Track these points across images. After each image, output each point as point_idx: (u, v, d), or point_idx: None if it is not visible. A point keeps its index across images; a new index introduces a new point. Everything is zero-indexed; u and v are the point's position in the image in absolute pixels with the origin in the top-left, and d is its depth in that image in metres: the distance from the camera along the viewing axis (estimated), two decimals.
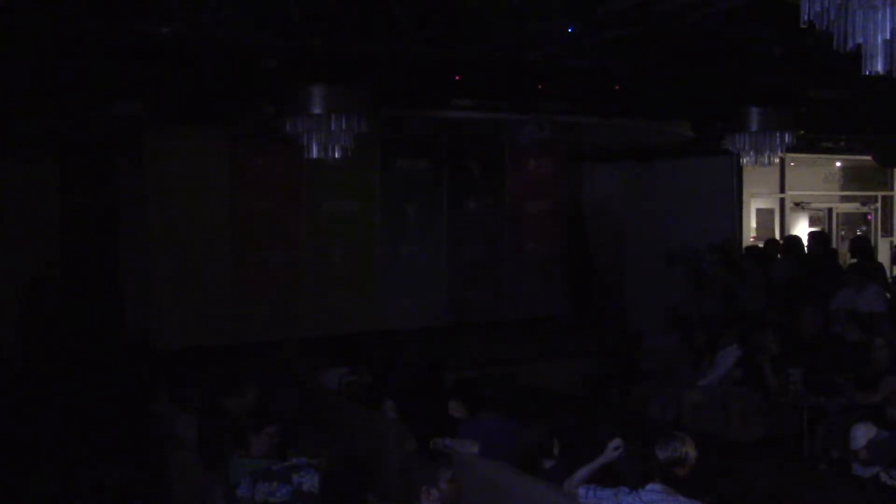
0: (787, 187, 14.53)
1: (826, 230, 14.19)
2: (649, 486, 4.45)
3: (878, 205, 15.62)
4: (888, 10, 3.15)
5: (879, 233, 15.40)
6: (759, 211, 14.45)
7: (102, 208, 10.83)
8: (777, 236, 13.89)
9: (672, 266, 11.47)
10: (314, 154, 6.83)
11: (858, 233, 15.21)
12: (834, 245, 13.92)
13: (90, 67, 7.22)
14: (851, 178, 15.57)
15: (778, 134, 7.79)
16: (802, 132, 8.24)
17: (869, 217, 15.70)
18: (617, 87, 8.82)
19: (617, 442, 4.95)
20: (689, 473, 4.56)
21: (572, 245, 13.55)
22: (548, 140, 11.73)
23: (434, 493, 4.17)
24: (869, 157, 13.28)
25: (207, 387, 6.97)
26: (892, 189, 15.69)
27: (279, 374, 9.28)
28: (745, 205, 13.47)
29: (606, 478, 4.84)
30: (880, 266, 10.86)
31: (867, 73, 3.28)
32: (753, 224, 14.26)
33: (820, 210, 15.21)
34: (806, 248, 10.83)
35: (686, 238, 11.99)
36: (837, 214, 15.41)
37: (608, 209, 14.49)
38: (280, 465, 5.22)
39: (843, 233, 15.25)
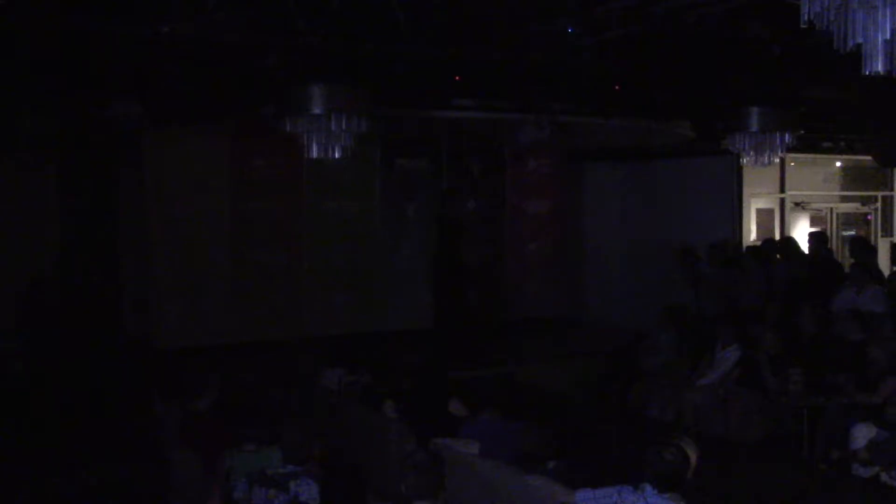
0: (787, 187, 14.52)
1: (826, 230, 14.17)
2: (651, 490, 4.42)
3: (878, 205, 15.61)
4: (888, 10, 3.15)
5: (879, 233, 15.38)
6: (759, 211, 14.43)
7: (102, 208, 10.82)
8: (777, 236, 13.89)
9: (686, 264, 11.44)
10: (314, 154, 6.82)
11: (855, 232, 15.19)
12: (834, 245, 13.92)
13: (90, 67, 7.22)
14: (851, 178, 15.55)
15: (778, 134, 7.78)
16: (802, 132, 8.22)
17: (869, 217, 15.69)
18: (617, 87, 8.83)
19: None
20: (691, 475, 4.55)
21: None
22: (548, 140, 11.75)
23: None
24: (869, 157, 13.26)
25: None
26: (892, 189, 15.67)
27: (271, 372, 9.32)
28: (745, 205, 13.46)
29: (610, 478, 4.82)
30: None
31: (867, 73, 3.28)
32: (753, 224, 14.24)
33: (820, 210, 15.19)
34: (807, 249, 10.81)
35: (686, 238, 11.97)
36: (837, 214, 15.40)
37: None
38: (275, 471, 5.21)
39: (843, 233, 15.25)
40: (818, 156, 14.15)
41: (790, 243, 11.12)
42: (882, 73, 3.27)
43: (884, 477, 6.55)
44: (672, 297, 11.15)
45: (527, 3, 6.22)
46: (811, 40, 4.47)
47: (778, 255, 10.94)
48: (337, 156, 6.85)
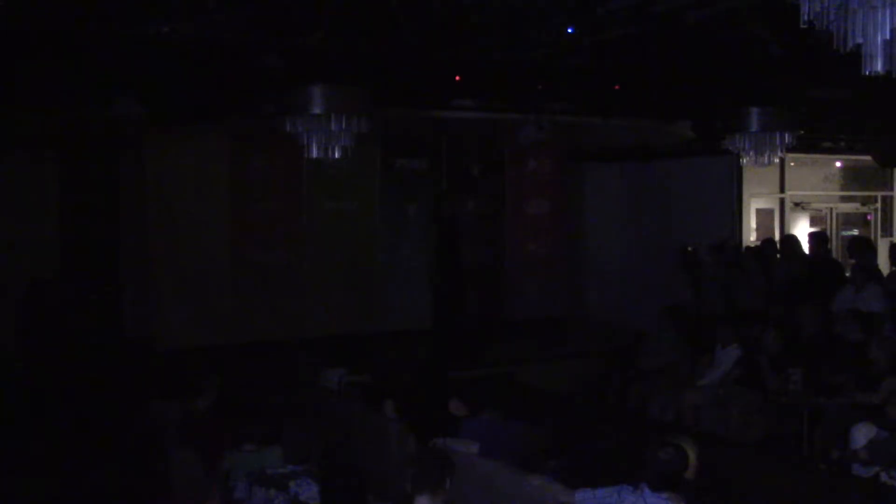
0: (787, 187, 14.52)
1: (826, 230, 14.17)
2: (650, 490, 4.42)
3: (878, 205, 15.61)
4: (888, 10, 3.15)
5: (879, 233, 15.38)
6: (759, 211, 14.44)
7: (102, 208, 10.82)
8: (777, 236, 13.89)
9: (685, 264, 11.45)
10: (314, 154, 6.82)
11: (856, 232, 15.19)
12: (834, 245, 13.91)
13: (90, 67, 7.22)
14: (851, 178, 15.56)
15: (778, 134, 7.78)
16: (802, 132, 8.22)
17: (869, 217, 15.69)
18: (617, 87, 8.82)
19: None
20: (691, 475, 4.55)
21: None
22: (548, 140, 11.74)
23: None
24: (869, 157, 13.27)
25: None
26: (892, 189, 15.67)
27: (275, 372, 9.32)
28: (745, 205, 13.46)
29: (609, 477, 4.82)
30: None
31: (867, 73, 3.28)
32: (753, 224, 14.24)
33: (820, 210, 15.20)
34: (807, 249, 10.81)
35: (686, 238, 11.98)
36: (837, 214, 15.40)
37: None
38: (276, 471, 5.22)
39: (843, 233, 15.25)
40: (818, 156, 14.16)
41: (791, 242, 11.09)
42: (882, 73, 3.27)
43: (884, 477, 6.54)
44: (672, 297, 11.15)
45: (527, 4, 6.21)
46: (811, 40, 4.46)
47: (778, 255, 10.94)
48: (337, 156, 6.84)
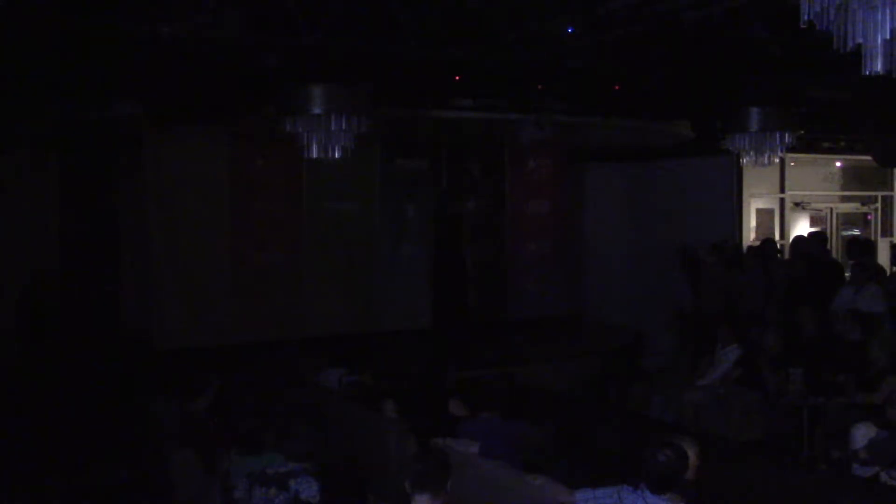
0: (787, 187, 14.52)
1: (826, 230, 14.17)
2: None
3: (878, 205, 15.61)
4: (888, 10, 3.15)
5: (879, 233, 15.38)
6: (759, 211, 14.44)
7: (102, 208, 10.83)
8: (777, 236, 13.89)
9: (685, 264, 11.45)
10: (314, 154, 6.83)
11: (857, 232, 15.20)
12: (834, 245, 13.92)
13: (90, 67, 7.22)
14: (851, 178, 15.57)
15: (778, 134, 7.79)
16: (802, 132, 8.23)
17: (869, 217, 15.69)
18: (617, 87, 8.82)
19: None
20: (691, 475, 4.55)
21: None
22: (548, 140, 11.75)
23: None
24: (869, 157, 13.27)
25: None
26: (892, 189, 15.67)
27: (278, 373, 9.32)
28: (745, 205, 13.47)
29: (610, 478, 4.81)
30: (881, 268, 10.85)
31: (867, 73, 3.29)
32: (753, 224, 14.25)
33: (820, 210, 15.20)
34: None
35: (686, 238, 11.98)
36: (837, 214, 15.40)
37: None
38: (276, 470, 5.21)
39: (843, 233, 15.25)
40: (818, 156, 14.16)
41: (801, 243, 11.05)
42: (882, 73, 3.27)
43: (884, 477, 6.54)
44: (672, 297, 11.15)
45: (527, 3, 6.22)
46: (811, 40, 4.47)
47: (779, 255, 10.93)
48: (337, 156, 6.85)
